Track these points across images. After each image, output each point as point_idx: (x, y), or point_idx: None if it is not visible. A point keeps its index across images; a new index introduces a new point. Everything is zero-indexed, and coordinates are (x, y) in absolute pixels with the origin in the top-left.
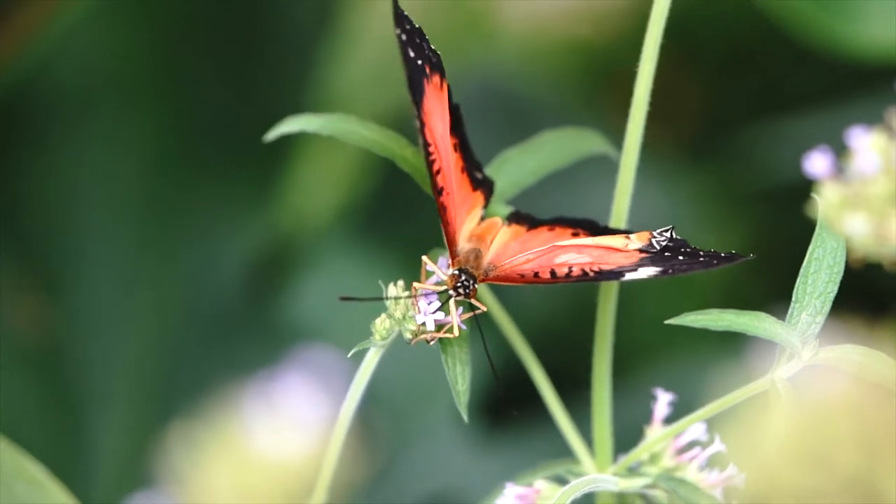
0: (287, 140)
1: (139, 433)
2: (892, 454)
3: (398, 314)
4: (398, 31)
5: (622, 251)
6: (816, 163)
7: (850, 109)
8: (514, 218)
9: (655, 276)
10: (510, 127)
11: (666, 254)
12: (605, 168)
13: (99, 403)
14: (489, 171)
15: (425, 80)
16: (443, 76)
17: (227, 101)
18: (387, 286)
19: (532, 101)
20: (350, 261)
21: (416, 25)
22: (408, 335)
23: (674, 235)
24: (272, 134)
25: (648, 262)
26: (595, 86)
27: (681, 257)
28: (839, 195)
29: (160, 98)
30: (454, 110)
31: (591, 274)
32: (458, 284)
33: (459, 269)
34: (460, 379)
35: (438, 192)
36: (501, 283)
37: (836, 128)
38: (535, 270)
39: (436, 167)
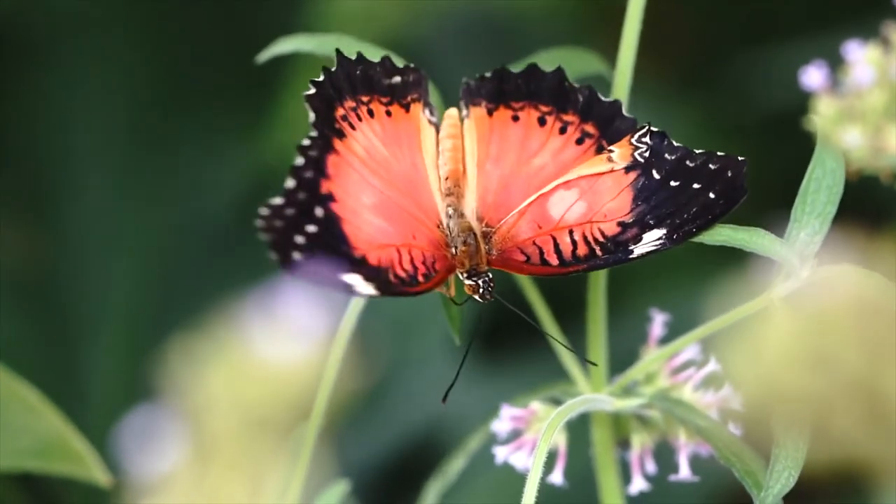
0: (275, 74)
1: (135, 353)
2: (893, 355)
3: None
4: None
5: (610, 174)
6: (812, 75)
7: (842, 36)
8: (466, 98)
9: (663, 243)
10: (499, 62)
11: (655, 173)
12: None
13: (92, 326)
14: None
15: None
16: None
17: (217, 31)
18: None
19: (522, 34)
20: None
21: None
22: None
23: (653, 131)
24: (265, 54)
25: (643, 204)
26: (587, 19)
27: (673, 182)
28: (835, 109)
29: (150, 25)
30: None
31: (600, 252)
32: (481, 291)
33: (468, 274)
34: (454, 306)
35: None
36: (509, 270)
37: (830, 55)
38: (540, 246)
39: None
